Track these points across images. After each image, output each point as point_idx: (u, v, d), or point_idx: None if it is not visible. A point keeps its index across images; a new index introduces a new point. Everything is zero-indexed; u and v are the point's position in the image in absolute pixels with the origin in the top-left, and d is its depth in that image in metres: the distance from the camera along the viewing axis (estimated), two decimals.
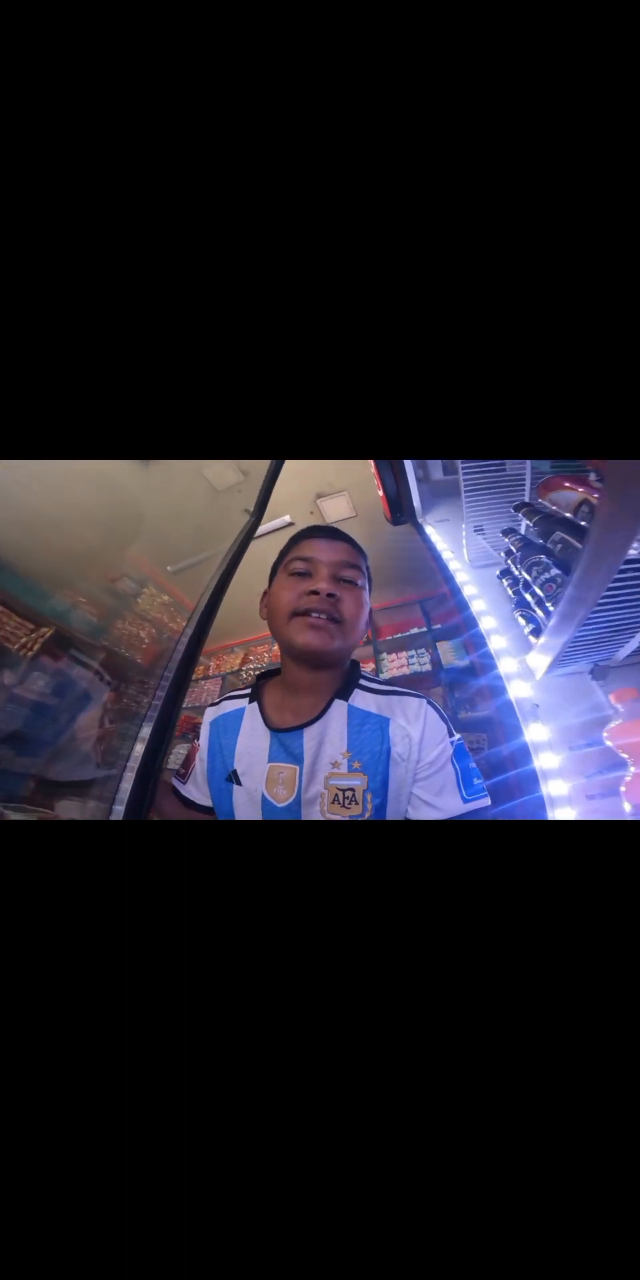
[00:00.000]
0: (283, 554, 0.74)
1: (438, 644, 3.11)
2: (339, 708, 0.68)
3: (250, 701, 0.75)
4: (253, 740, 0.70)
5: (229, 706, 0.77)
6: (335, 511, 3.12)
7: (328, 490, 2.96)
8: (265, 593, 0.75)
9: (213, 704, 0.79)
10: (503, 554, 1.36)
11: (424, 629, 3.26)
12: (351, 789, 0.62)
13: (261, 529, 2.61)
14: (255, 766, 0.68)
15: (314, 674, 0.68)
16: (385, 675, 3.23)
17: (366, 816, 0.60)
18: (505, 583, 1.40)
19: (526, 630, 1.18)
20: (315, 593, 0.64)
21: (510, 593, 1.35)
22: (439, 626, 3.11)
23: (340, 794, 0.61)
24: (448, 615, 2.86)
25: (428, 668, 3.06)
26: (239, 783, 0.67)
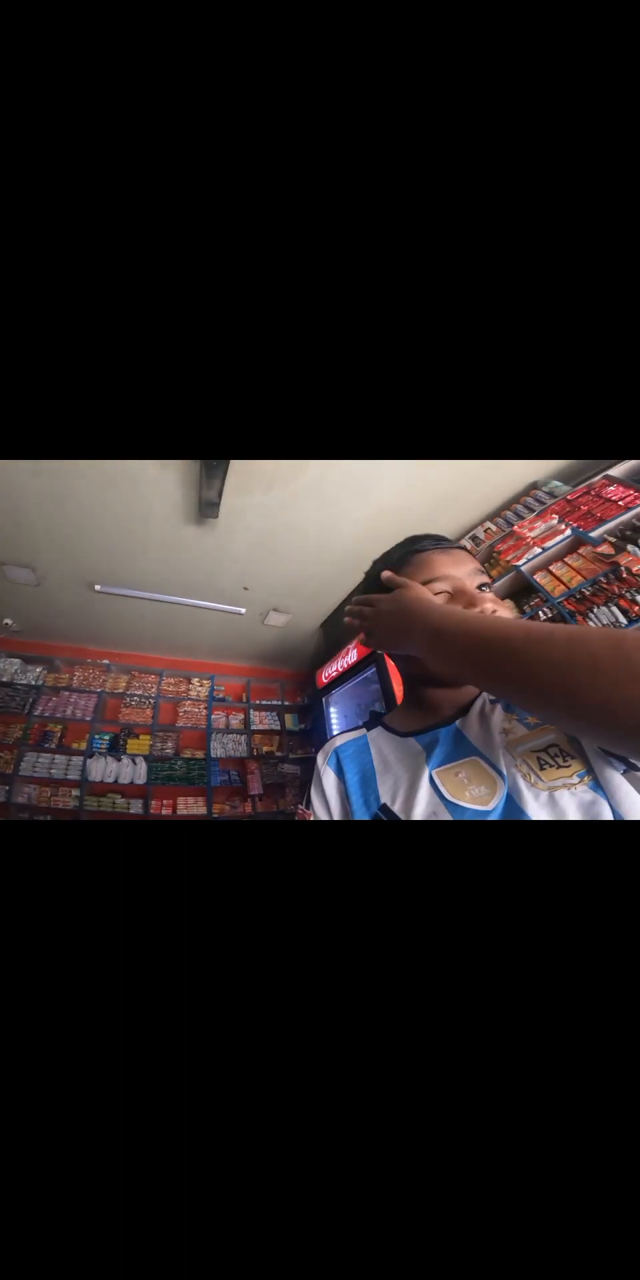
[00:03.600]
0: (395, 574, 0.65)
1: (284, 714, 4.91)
2: (485, 696, 0.63)
3: (369, 729, 0.70)
4: (393, 761, 0.60)
5: (346, 737, 0.71)
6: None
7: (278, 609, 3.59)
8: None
9: (329, 740, 0.73)
10: None
11: (278, 701, 5.02)
12: (552, 743, 0.48)
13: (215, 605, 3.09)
14: (407, 784, 0.55)
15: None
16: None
17: (587, 780, 0.45)
18: None
19: None
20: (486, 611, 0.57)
21: None
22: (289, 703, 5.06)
23: (544, 753, 0.48)
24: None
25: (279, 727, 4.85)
26: (390, 816, 0.54)
